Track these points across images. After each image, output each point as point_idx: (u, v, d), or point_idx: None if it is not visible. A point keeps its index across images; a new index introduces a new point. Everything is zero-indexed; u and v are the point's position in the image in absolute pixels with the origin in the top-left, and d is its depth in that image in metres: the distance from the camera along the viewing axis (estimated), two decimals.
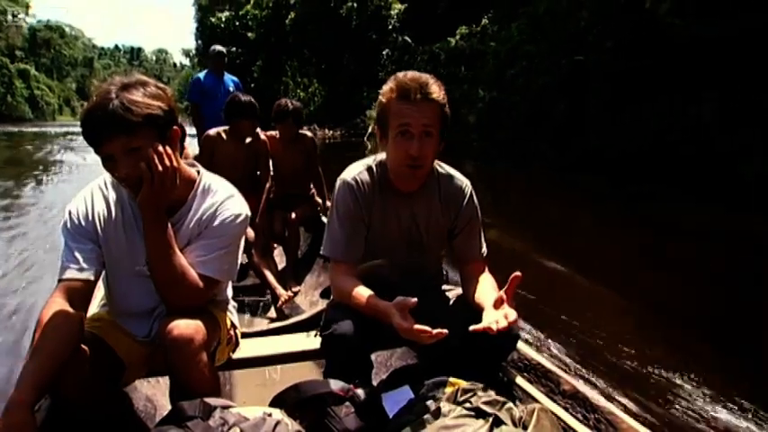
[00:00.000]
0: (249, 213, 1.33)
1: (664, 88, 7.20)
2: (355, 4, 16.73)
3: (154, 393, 1.67)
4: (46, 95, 62.89)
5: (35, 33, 70.34)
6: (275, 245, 3.36)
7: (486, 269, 1.48)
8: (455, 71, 11.47)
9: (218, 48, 4.77)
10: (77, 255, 1.19)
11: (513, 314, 1.15)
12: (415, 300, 1.16)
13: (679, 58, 6.92)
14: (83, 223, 1.23)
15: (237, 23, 25.11)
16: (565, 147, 8.75)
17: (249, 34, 23.94)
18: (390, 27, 16.73)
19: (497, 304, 1.19)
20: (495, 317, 1.14)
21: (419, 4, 15.66)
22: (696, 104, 6.64)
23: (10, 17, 56.87)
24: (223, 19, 26.73)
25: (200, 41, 31.93)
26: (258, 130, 3.10)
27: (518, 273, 1.18)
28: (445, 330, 1.11)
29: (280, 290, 2.78)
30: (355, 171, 1.44)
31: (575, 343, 2.68)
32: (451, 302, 1.50)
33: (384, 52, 16.37)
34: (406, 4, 16.53)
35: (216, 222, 1.27)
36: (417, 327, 1.12)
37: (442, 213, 1.47)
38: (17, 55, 58.22)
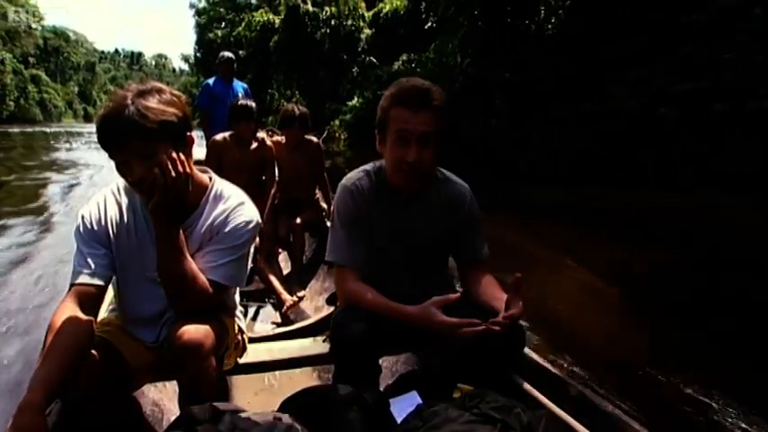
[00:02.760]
0: (260, 220, 1.34)
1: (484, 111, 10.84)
2: (328, 30, 19.98)
3: (161, 398, 1.67)
4: (54, 99, 67.16)
5: (46, 41, 75.12)
6: (280, 250, 3.37)
7: (489, 272, 1.48)
8: None
9: (227, 54, 4.77)
10: (89, 260, 1.20)
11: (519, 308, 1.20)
12: (457, 295, 1.22)
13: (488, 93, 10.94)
14: (95, 228, 1.25)
15: (232, 40, 28.57)
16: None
17: (241, 52, 26.79)
18: (360, 49, 19.93)
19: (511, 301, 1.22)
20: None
21: (384, 30, 18.98)
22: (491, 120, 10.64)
23: (25, 26, 61.21)
24: (219, 35, 31.92)
25: (198, 54, 38.26)
26: (264, 135, 3.12)
27: (518, 274, 1.20)
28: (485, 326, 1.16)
29: (285, 295, 2.79)
30: (355, 177, 1.46)
31: None
32: (456, 308, 1.50)
33: (353, 70, 19.63)
34: (374, 29, 19.75)
35: (227, 229, 1.28)
36: (463, 320, 1.17)
37: (442, 218, 1.47)
38: (30, 61, 62.72)
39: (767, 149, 5.68)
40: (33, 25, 63.28)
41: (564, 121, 8.61)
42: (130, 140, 1.10)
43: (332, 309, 1.91)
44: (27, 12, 59.91)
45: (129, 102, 1.10)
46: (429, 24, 12.91)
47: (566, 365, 2.51)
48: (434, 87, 1.34)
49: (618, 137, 7.48)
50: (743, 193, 5.60)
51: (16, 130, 39.05)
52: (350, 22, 19.98)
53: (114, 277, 1.29)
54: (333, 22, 20.03)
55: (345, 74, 19.82)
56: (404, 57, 16.37)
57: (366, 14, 21.02)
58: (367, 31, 20.05)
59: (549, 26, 10.08)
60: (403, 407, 1.22)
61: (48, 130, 43.02)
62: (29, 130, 41.46)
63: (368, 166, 1.48)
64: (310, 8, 20.38)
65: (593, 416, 1.28)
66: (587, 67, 8.59)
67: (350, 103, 18.18)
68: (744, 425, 2.08)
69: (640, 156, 7.16)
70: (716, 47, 6.41)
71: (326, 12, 20.17)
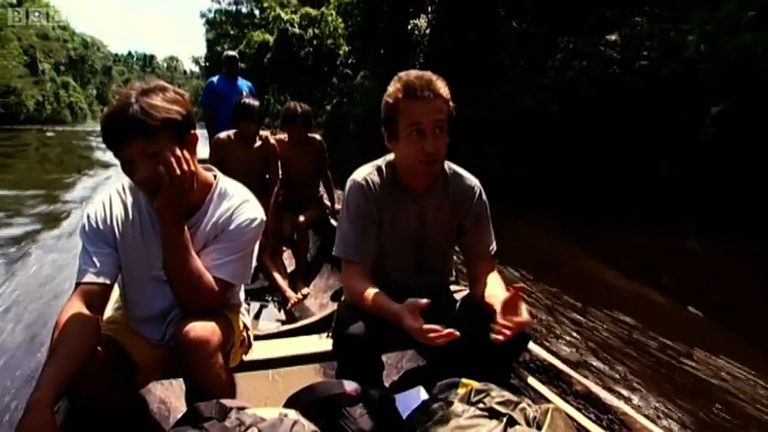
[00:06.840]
0: (264, 218, 1.33)
1: None
2: (311, 49, 24.79)
3: (168, 396, 1.68)
4: (80, 102, 73.79)
5: (74, 50, 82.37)
6: (284, 248, 3.38)
7: (495, 268, 1.48)
8: (354, 98, 18.14)
9: (231, 53, 4.82)
10: (95, 259, 1.21)
11: (525, 315, 1.17)
12: (427, 301, 1.17)
13: None
14: (101, 227, 1.25)
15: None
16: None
17: (242, 65, 29.58)
18: (339, 62, 24.08)
19: (510, 306, 1.20)
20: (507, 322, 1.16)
21: (359, 46, 22.62)
22: None
23: (62, 42, 70.96)
24: (226, 48, 38.20)
25: (208, 64, 46.93)
26: (267, 134, 3.13)
27: (519, 284, 1.20)
28: (457, 333, 1.11)
29: (289, 292, 2.79)
30: (366, 171, 1.46)
31: None
32: (461, 303, 1.51)
33: (333, 80, 23.54)
34: (351, 45, 23.68)
35: (232, 226, 1.28)
36: (427, 326, 1.13)
37: (450, 212, 1.48)
38: (60, 69, 70.76)
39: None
40: (65, 38, 72.64)
41: None
42: (134, 139, 1.10)
43: (336, 305, 1.91)
44: (65, 29, 69.66)
45: (133, 100, 1.10)
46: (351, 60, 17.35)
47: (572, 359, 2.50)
48: (435, 76, 1.33)
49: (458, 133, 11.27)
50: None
51: (59, 128, 46.14)
52: (330, 41, 23.94)
53: (120, 276, 1.29)
54: (315, 42, 24.37)
55: (324, 83, 23.59)
56: (362, 72, 19.52)
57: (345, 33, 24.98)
58: (345, 47, 23.61)
59: (420, 60, 14.94)
60: (408, 402, 1.22)
61: (77, 129, 49.54)
62: (63, 129, 47.44)
63: (378, 161, 1.48)
64: (297, 31, 24.67)
65: (599, 410, 1.28)
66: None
67: (327, 107, 21.39)
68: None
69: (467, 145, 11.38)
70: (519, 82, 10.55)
71: (310, 33, 24.53)
